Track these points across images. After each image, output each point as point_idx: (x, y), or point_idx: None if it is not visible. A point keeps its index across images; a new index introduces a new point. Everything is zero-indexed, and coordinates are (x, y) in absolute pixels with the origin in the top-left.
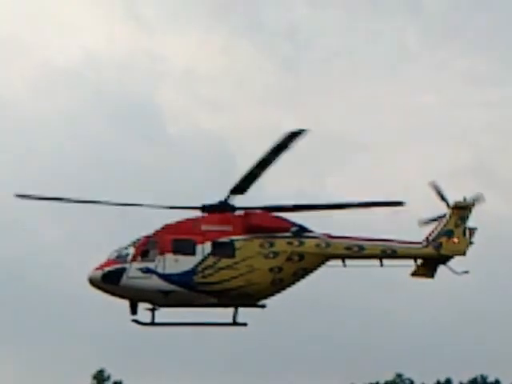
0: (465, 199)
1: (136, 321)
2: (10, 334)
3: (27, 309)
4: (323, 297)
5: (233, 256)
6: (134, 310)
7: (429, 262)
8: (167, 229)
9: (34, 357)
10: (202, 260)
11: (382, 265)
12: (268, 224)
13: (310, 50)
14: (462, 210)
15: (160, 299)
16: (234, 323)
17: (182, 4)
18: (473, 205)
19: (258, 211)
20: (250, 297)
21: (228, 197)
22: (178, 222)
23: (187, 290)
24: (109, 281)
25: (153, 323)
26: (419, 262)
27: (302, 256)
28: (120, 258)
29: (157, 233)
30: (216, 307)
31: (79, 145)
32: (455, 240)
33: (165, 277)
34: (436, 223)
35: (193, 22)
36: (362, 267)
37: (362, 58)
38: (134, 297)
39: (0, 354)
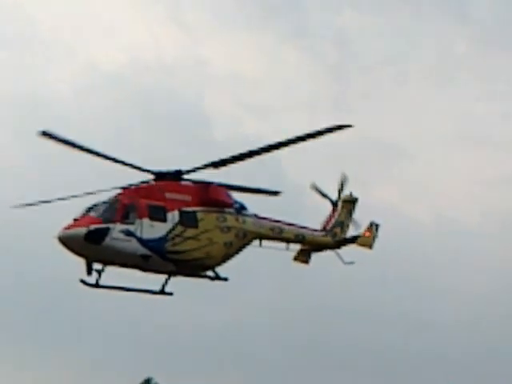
0: (351, 194)
1: (83, 281)
2: (57, 341)
3: (74, 314)
4: None
5: (196, 227)
6: (89, 270)
7: (321, 248)
8: (131, 193)
9: (83, 365)
10: (173, 228)
11: (287, 248)
12: (223, 199)
13: (357, 56)
14: (349, 204)
15: (139, 264)
16: (162, 292)
17: (228, 8)
18: (357, 199)
19: (214, 184)
20: (203, 269)
21: (198, 169)
22: (141, 187)
23: (158, 257)
24: (92, 240)
25: (97, 285)
26: (301, 248)
27: (245, 233)
28: (102, 216)
29: (131, 195)
30: (170, 275)
31: (123, 149)
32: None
33: (143, 241)
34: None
35: (239, 26)
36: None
37: (410, 65)
38: (113, 260)
39: (45, 363)
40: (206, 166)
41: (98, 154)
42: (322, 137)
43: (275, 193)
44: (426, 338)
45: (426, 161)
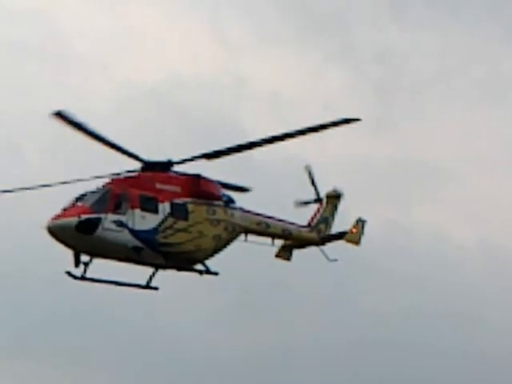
0: (335, 189)
1: (69, 273)
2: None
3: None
4: None
5: (186, 219)
6: (77, 261)
7: (305, 245)
8: (121, 183)
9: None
10: (164, 220)
11: (273, 244)
12: (213, 191)
13: (402, 75)
14: (334, 200)
15: (130, 256)
16: (147, 286)
17: (269, 25)
18: (341, 195)
19: (203, 177)
20: (192, 262)
21: (194, 158)
22: (131, 177)
23: (150, 249)
24: (83, 230)
25: (83, 278)
26: (283, 244)
27: (233, 227)
28: (93, 206)
29: (121, 184)
30: (158, 269)
31: None
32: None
33: (135, 233)
34: (314, 209)
35: (280, 44)
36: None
37: (458, 83)
38: (103, 251)
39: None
40: (197, 158)
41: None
42: (328, 130)
43: (245, 189)
44: (475, 372)
45: (472, 183)
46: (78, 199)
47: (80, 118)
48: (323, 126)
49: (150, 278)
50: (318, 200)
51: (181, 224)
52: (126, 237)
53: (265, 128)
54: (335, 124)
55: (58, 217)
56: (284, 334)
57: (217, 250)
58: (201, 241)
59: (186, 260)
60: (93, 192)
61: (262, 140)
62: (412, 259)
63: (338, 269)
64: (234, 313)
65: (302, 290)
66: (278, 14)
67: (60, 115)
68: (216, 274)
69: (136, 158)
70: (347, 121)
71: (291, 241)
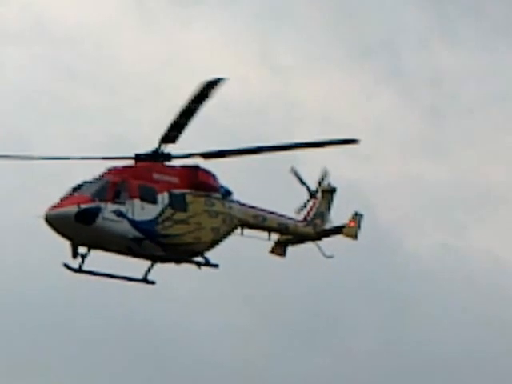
0: (327, 182)
1: (66, 265)
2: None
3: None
4: None
5: (185, 210)
6: (75, 253)
7: (300, 240)
8: (119, 173)
9: None
10: (163, 211)
11: (269, 238)
12: (211, 182)
13: (453, 98)
14: (329, 194)
15: (130, 247)
16: (144, 280)
17: (320, 48)
18: (336, 189)
19: (201, 167)
20: (191, 254)
21: (159, 146)
22: (128, 167)
23: (149, 241)
24: (83, 220)
25: (80, 270)
26: (277, 240)
27: (231, 219)
28: (92, 196)
29: (120, 174)
30: (156, 262)
31: None
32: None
33: (134, 223)
34: (310, 204)
35: (331, 68)
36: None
37: (510, 106)
38: (102, 242)
39: None
40: (193, 155)
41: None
42: (324, 148)
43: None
44: None
45: None
46: (76, 189)
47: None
48: (321, 144)
49: (147, 272)
50: (312, 196)
51: (180, 215)
52: (125, 227)
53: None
54: (334, 143)
55: (56, 206)
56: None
57: (215, 242)
58: (200, 233)
59: (185, 252)
60: (91, 182)
61: (263, 147)
62: (465, 283)
63: (390, 293)
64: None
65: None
66: (329, 38)
67: None
68: (216, 266)
69: (126, 157)
70: (345, 141)
71: (287, 235)
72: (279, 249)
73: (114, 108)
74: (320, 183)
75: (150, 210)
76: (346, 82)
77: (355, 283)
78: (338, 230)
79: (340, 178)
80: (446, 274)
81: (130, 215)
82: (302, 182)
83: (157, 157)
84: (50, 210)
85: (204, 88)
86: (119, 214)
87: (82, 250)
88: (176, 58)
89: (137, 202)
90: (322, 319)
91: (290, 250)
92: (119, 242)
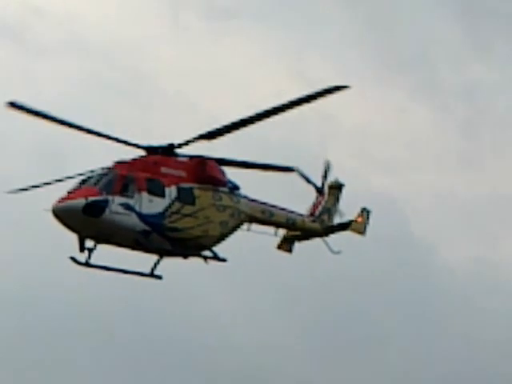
0: (337, 180)
1: (73, 258)
2: None
3: None
4: None
5: (193, 204)
6: (82, 247)
7: (308, 236)
8: (127, 166)
9: None
10: (170, 204)
11: (276, 234)
12: (219, 176)
13: (487, 111)
14: (336, 190)
15: (138, 240)
16: (151, 275)
17: (354, 62)
18: (343, 185)
19: (209, 161)
20: (199, 248)
21: (190, 141)
22: (136, 160)
23: (157, 234)
24: (90, 212)
25: (87, 264)
26: (284, 236)
27: (239, 214)
28: (100, 188)
29: (127, 167)
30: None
31: None
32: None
33: (142, 216)
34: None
35: (365, 81)
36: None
37: None
38: (110, 236)
39: None
40: (197, 139)
41: (80, 129)
42: (318, 100)
43: (289, 169)
44: None
45: None
46: (84, 182)
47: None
48: (315, 96)
49: (154, 267)
50: (320, 193)
51: (188, 209)
52: (133, 220)
53: (352, 165)
54: (327, 91)
55: (63, 199)
56: None
57: (223, 236)
58: (208, 226)
59: (193, 246)
60: (98, 175)
61: (258, 115)
62: (501, 296)
63: (424, 306)
64: None
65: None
66: (362, 51)
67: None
68: (224, 260)
69: (135, 145)
70: (337, 88)
71: (294, 231)
72: (286, 245)
73: (150, 122)
74: (325, 176)
75: (158, 203)
76: (381, 95)
77: (387, 297)
78: (345, 226)
79: (375, 190)
80: (480, 287)
81: (137, 208)
82: (309, 181)
83: (166, 150)
84: (57, 202)
85: (324, 91)
86: (127, 207)
87: (89, 244)
88: (212, 72)
89: (145, 195)
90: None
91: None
92: (127, 236)
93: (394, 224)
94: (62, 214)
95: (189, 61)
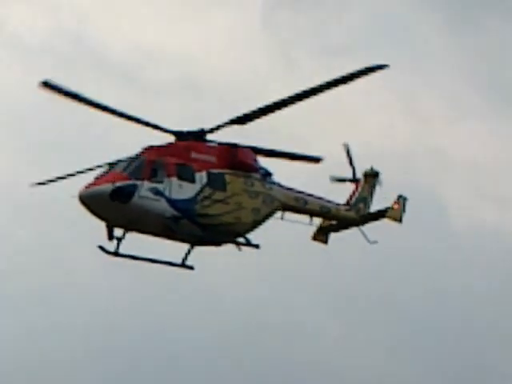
0: (372, 168)
1: (101, 247)
2: None
3: None
4: None
5: (224, 190)
6: (111, 235)
7: (344, 225)
8: (156, 151)
9: None
10: (201, 189)
11: (311, 223)
12: (251, 162)
13: None
14: (372, 179)
15: (167, 226)
16: (183, 265)
17: (462, 96)
18: (379, 173)
19: (240, 147)
20: (232, 235)
21: (221, 126)
22: (165, 145)
23: (188, 220)
24: (118, 198)
25: (116, 253)
26: (319, 227)
27: (272, 201)
28: (128, 173)
29: (156, 152)
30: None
31: None
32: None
33: (172, 202)
34: (351, 187)
35: (474, 115)
36: None
37: None
38: (139, 222)
39: None
40: (229, 123)
41: (108, 110)
42: (354, 81)
43: (316, 159)
44: None
45: None
46: (111, 167)
47: None
48: (350, 77)
49: (186, 256)
50: (355, 180)
51: (219, 195)
52: (163, 206)
53: (463, 200)
54: (363, 73)
55: (90, 185)
56: None
57: (256, 223)
58: (240, 213)
59: (225, 233)
60: (127, 160)
61: (290, 98)
62: None
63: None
64: None
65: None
66: (471, 84)
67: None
68: (257, 246)
69: (165, 130)
70: (373, 69)
71: (329, 219)
72: (321, 235)
73: (266, 164)
74: (350, 161)
75: (188, 188)
76: (490, 129)
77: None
78: (381, 214)
79: (486, 224)
80: None
81: (167, 194)
82: (351, 163)
83: (196, 135)
84: (84, 188)
85: (363, 70)
86: (156, 192)
87: (117, 232)
88: (322, 110)
89: (174, 180)
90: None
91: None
92: (156, 222)
93: (508, 259)
94: (89, 200)
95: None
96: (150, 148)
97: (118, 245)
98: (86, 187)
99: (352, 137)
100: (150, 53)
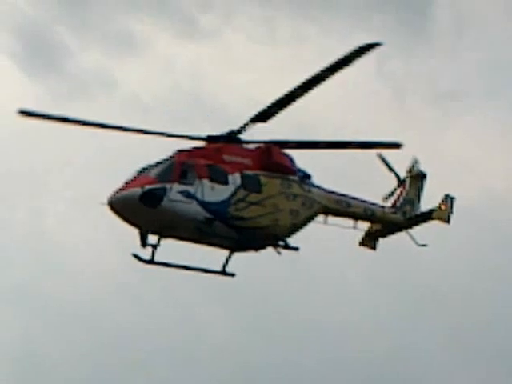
0: (417, 167)
1: (136, 255)
2: None
3: None
4: None
5: (259, 192)
6: (144, 241)
7: (391, 229)
8: (186, 154)
9: None
10: (235, 192)
11: (355, 227)
12: (287, 164)
13: None
14: (418, 180)
15: (201, 230)
16: (223, 272)
17: None
18: (426, 175)
19: (276, 148)
20: (270, 239)
21: (246, 125)
22: (197, 148)
23: (221, 223)
24: (148, 202)
25: (152, 261)
26: (367, 231)
27: (312, 203)
28: (157, 176)
29: (186, 155)
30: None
31: None
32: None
33: (204, 204)
34: (398, 191)
35: None
36: None
37: None
38: (171, 226)
39: None
40: (251, 121)
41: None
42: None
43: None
44: None
45: None
46: (141, 172)
47: None
48: (349, 58)
49: (226, 263)
50: (401, 183)
51: (254, 197)
52: (195, 208)
53: None
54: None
55: (120, 190)
56: None
57: (295, 227)
58: (277, 215)
59: (262, 236)
60: (156, 163)
61: (304, 84)
62: None
63: None
64: None
65: None
66: None
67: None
68: (296, 249)
69: (194, 138)
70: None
71: (374, 223)
72: (369, 241)
73: None
74: (410, 171)
75: (221, 190)
76: None
77: None
78: (428, 215)
79: None
80: None
81: (199, 196)
82: (391, 169)
83: (228, 138)
84: (113, 194)
85: (354, 53)
86: (187, 194)
87: (152, 240)
88: (440, 156)
89: (206, 182)
90: None
91: None
92: (189, 225)
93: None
94: (118, 206)
95: (415, 146)
96: (182, 151)
97: (154, 252)
98: (116, 193)
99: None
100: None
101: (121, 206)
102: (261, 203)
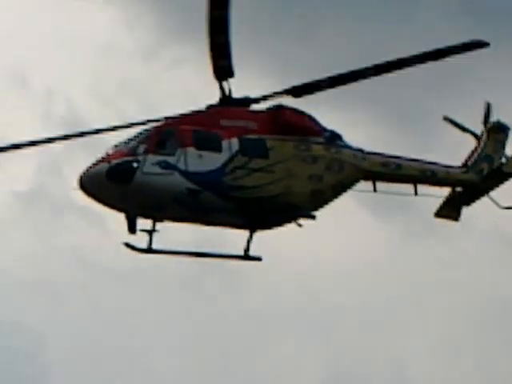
0: (499, 121)
1: (129, 244)
2: None
3: None
4: None
5: (266, 157)
6: (132, 227)
7: (465, 193)
8: (171, 121)
9: None
10: (231, 158)
11: (416, 193)
12: (300, 123)
13: None
14: (498, 134)
15: (185, 203)
16: (247, 256)
17: None
18: (509, 128)
19: (287, 107)
20: (286, 209)
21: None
22: (188, 114)
23: (215, 195)
24: (117, 178)
25: (150, 250)
26: (446, 198)
27: (341, 166)
28: (129, 149)
29: (169, 123)
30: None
31: None
32: None
33: (189, 175)
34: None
35: None
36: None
37: None
38: (149, 201)
39: None
40: (280, 93)
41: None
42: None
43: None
44: None
45: None
46: (117, 145)
47: None
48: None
49: (247, 245)
50: (476, 137)
51: (257, 162)
52: (176, 180)
53: None
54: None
55: (88, 168)
56: None
57: (319, 194)
58: (290, 181)
59: (275, 207)
60: (135, 135)
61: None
62: None
63: None
64: None
65: None
66: None
67: None
68: (313, 217)
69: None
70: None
71: (439, 185)
72: (449, 209)
73: None
74: (486, 121)
75: (213, 158)
76: None
77: None
78: (499, 170)
79: None
80: None
81: (181, 166)
82: (464, 128)
83: (238, 103)
84: (81, 174)
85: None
86: (166, 165)
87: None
88: None
89: (191, 150)
90: None
91: None
92: (172, 200)
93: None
94: (87, 185)
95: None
96: (171, 118)
97: (151, 239)
98: (84, 172)
99: None
100: None
101: (88, 186)
102: (267, 169)
